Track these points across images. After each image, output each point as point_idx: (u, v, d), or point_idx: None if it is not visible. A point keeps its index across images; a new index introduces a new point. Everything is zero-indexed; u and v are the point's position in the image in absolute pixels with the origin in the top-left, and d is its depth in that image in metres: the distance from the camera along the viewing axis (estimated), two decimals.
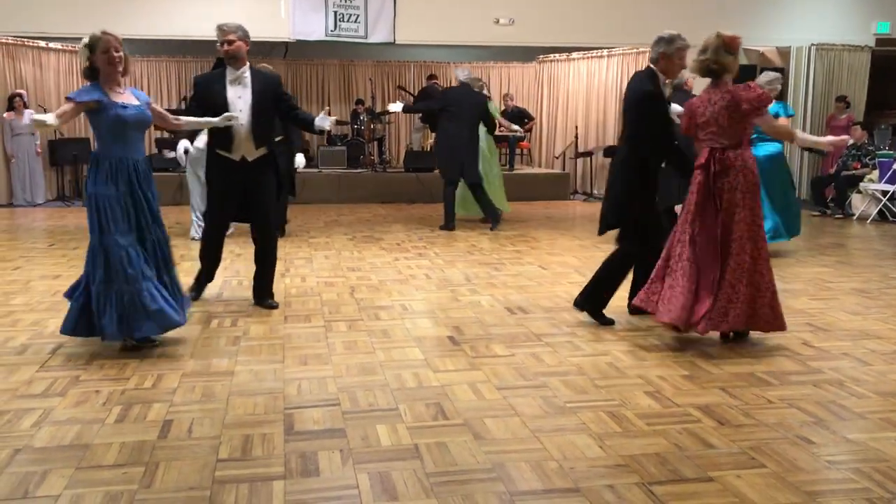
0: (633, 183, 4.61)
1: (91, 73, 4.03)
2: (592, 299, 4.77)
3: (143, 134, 4.25)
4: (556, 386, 3.65)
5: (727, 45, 4.13)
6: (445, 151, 8.87)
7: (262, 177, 5.01)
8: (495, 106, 10.31)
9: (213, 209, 5.17)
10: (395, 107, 8.89)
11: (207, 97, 4.90)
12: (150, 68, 13.65)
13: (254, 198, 5.02)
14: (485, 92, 9.08)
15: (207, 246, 5.24)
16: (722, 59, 4.13)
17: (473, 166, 8.79)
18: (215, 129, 4.86)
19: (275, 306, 5.15)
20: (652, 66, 4.58)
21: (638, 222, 4.65)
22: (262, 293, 5.20)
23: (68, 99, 4.01)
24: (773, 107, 5.66)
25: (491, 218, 8.98)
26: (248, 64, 4.96)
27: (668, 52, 4.48)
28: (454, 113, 8.67)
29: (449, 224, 8.93)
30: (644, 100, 4.50)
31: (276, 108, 5.07)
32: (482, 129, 9.01)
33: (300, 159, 8.12)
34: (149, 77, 13.58)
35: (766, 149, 6.80)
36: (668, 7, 11.69)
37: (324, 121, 5.13)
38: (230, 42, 4.85)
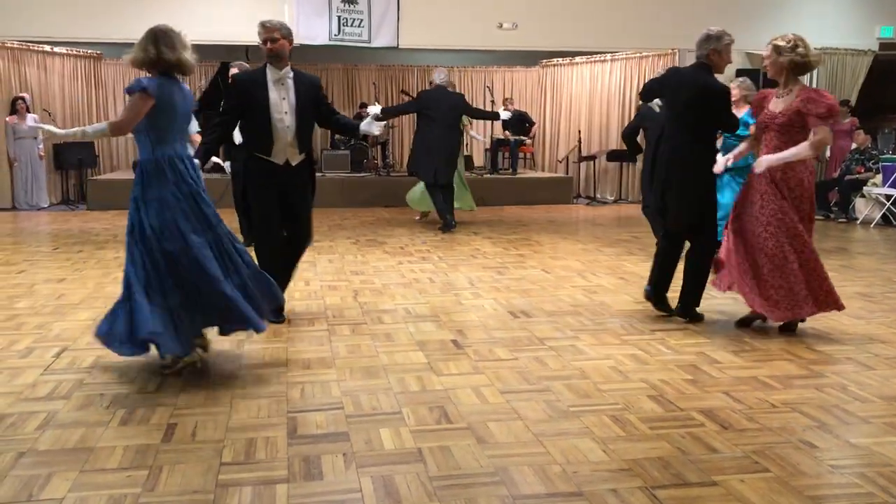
0: (709, 177, 4.85)
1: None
2: (693, 302, 4.96)
3: None
4: (560, 390, 3.65)
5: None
6: (422, 153, 8.95)
7: (304, 182, 4.78)
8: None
9: (262, 224, 4.71)
10: (374, 109, 8.84)
11: (249, 98, 4.60)
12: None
13: (295, 204, 4.74)
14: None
15: (272, 267, 4.43)
16: (812, 56, 4.44)
17: (448, 168, 8.90)
18: (254, 131, 4.62)
19: (282, 320, 4.83)
20: (703, 62, 4.80)
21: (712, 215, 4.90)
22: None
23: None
24: (744, 114, 5.91)
25: (444, 222, 9.04)
26: (290, 64, 4.70)
27: (719, 48, 4.75)
28: (431, 115, 8.70)
29: (447, 225, 8.97)
30: (725, 94, 4.79)
31: (316, 111, 4.79)
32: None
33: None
34: None
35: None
36: (670, 12, 11.69)
37: (371, 126, 4.88)
38: (274, 40, 4.58)
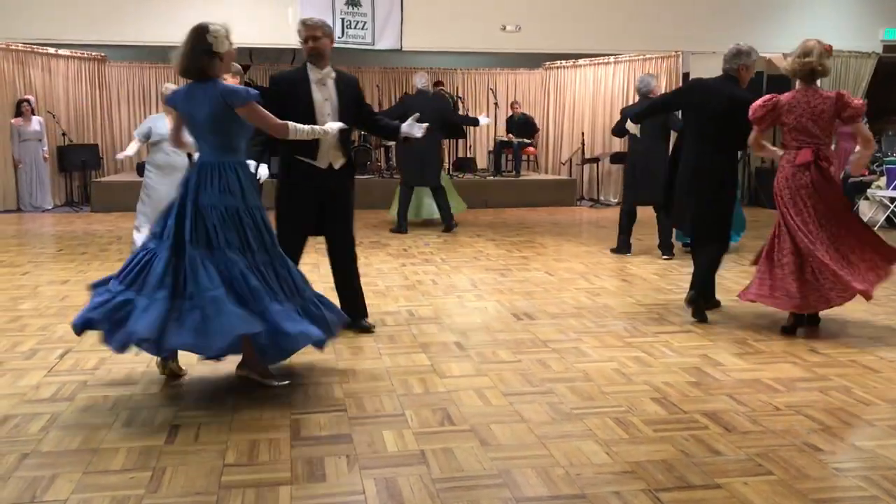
0: (732, 187, 5.15)
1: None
2: (707, 295, 5.15)
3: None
4: (563, 392, 3.65)
5: (828, 51, 4.59)
6: (407, 157, 9.08)
7: (347, 186, 4.61)
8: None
9: (287, 230, 4.42)
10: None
11: (290, 98, 4.39)
12: (157, 74, 13.71)
13: (338, 208, 4.57)
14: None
15: None
16: (826, 62, 4.57)
17: (434, 171, 9.07)
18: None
19: (371, 328, 4.72)
20: (731, 74, 5.05)
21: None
22: (358, 313, 4.68)
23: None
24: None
25: (446, 222, 9.21)
26: (330, 64, 4.52)
27: (748, 63, 5.03)
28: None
29: (401, 227, 9.08)
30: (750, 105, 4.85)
31: (358, 111, 4.62)
32: None
33: (263, 170, 7.53)
34: (157, 83, 13.62)
35: None
36: (674, 14, 11.70)
37: (412, 128, 4.67)
38: (315, 38, 4.42)
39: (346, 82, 4.60)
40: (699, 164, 5.01)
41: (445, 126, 9.17)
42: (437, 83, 13.98)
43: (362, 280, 6.31)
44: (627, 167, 7.87)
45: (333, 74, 4.53)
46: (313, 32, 4.44)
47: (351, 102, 4.55)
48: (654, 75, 8.69)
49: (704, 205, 5.01)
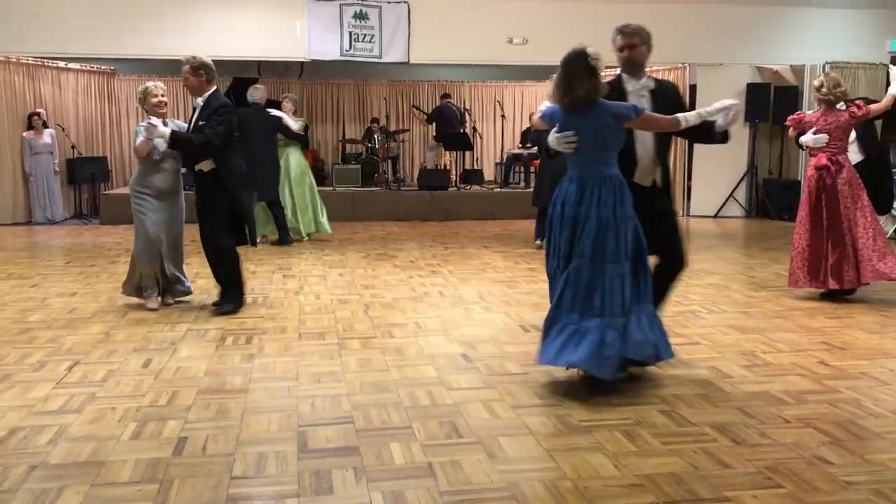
0: None
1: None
2: None
3: None
4: (571, 404, 3.64)
5: (837, 81, 5.80)
6: (249, 173, 8.84)
7: (669, 198, 4.25)
8: (304, 121, 10.21)
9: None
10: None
11: None
12: (168, 88, 13.78)
13: (667, 224, 4.15)
14: (276, 111, 8.96)
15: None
16: (836, 91, 5.74)
17: (269, 185, 8.79)
18: None
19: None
20: None
21: None
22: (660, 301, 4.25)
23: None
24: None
25: (280, 238, 8.97)
26: (647, 73, 4.18)
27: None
28: (246, 135, 8.15)
29: (283, 238, 8.94)
30: None
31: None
32: (297, 154, 9.15)
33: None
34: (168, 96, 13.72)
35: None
36: (681, 26, 11.70)
37: (722, 117, 3.93)
38: (632, 47, 4.12)
39: (664, 92, 4.18)
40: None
41: (288, 136, 8.87)
42: (445, 95, 14.04)
43: (369, 291, 6.35)
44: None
45: (651, 85, 4.16)
46: (630, 40, 4.14)
47: (669, 112, 3.94)
48: None
49: None
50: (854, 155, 6.78)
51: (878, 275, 5.69)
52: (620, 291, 3.68)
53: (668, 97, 4.14)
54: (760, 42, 11.97)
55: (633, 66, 4.14)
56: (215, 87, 5.50)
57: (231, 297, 5.57)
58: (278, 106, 9.02)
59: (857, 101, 5.88)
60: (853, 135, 6.65)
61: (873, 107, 6.01)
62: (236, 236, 5.57)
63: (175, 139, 5.25)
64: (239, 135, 6.29)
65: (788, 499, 2.69)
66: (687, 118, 3.84)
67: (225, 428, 3.34)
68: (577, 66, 3.71)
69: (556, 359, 3.71)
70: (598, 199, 3.70)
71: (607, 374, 3.67)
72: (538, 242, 8.59)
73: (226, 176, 5.38)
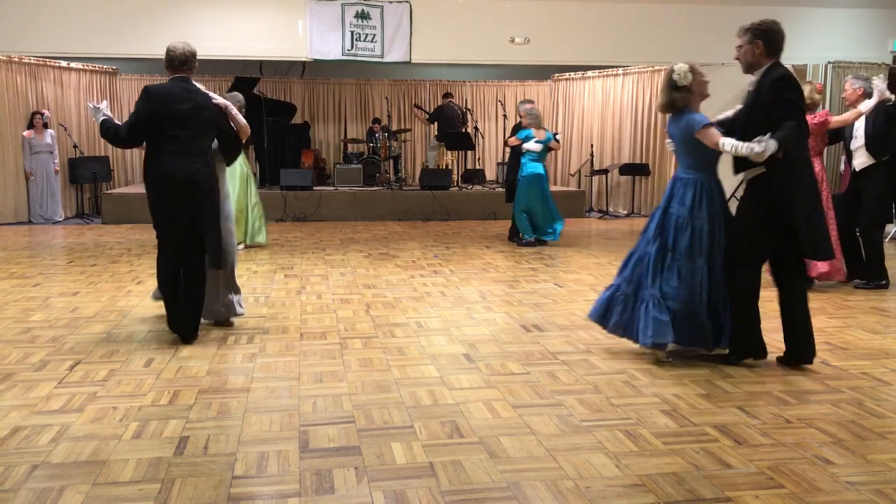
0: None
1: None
2: None
3: None
4: (572, 404, 3.64)
5: (819, 91, 6.28)
6: None
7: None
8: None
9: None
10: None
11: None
12: None
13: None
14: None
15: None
16: (815, 97, 6.13)
17: None
18: None
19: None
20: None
21: None
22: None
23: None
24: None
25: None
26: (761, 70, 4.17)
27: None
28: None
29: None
30: None
31: (765, 116, 4.02)
32: (240, 158, 8.96)
33: None
34: None
35: (534, 167, 8.88)
36: (684, 26, 11.70)
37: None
38: (738, 48, 4.21)
39: (758, 90, 4.13)
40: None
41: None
42: (447, 95, 14.03)
43: (371, 291, 6.36)
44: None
45: (755, 80, 4.17)
46: (737, 42, 4.22)
47: (759, 107, 4.02)
48: None
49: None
50: (861, 159, 6.69)
51: (815, 269, 6.34)
52: (695, 280, 4.19)
53: (760, 96, 4.11)
54: None
55: (743, 64, 4.29)
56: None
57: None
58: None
59: (822, 112, 6.34)
60: (859, 141, 6.68)
61: (834, 118, 6.40)
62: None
63: (102, 127, 4.95)
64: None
65: (790, 499, 2.69)
66: (724, 144, 4.05)
67: (226, 427, 3.34)
68: (665, 78, 4.44)
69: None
70: (679, 198, 4.26)
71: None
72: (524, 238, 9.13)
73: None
